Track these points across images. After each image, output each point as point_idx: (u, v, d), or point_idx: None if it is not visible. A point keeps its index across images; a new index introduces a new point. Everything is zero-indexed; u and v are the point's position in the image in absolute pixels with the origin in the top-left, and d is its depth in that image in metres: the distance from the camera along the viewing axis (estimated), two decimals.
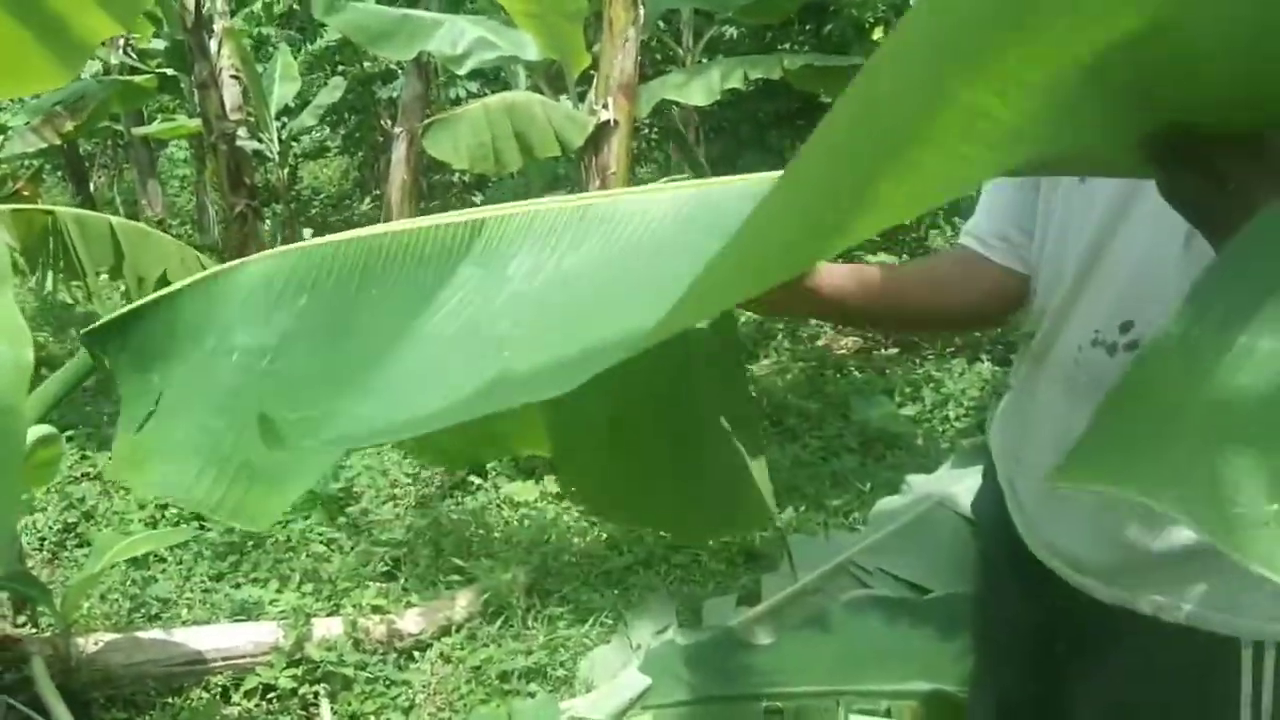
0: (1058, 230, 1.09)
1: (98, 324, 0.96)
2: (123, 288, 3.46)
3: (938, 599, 2.57)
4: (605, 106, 4.05)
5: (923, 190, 0.57)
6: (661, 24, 6.37)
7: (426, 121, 4.67)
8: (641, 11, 4.09)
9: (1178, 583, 1.01)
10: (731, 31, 7.05)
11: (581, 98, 4.66)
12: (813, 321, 5.84)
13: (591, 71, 4.56)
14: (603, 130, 4.08)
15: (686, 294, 0.61)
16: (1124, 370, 1.00)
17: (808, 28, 7.01)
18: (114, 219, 3.20)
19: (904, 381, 4.94)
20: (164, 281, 3.29)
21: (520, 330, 0.92)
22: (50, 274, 3.26)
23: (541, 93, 4.82)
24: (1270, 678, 0.98)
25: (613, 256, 0.97)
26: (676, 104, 6.38)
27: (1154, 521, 1.02)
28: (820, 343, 5.64)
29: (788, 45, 6.67)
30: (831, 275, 1.08)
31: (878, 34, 6.88)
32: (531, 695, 2.74)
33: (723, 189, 0.99)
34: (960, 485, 2.95)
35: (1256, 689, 0.98)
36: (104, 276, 3.41)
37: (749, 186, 0.98)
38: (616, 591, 3.22)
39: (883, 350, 5.46)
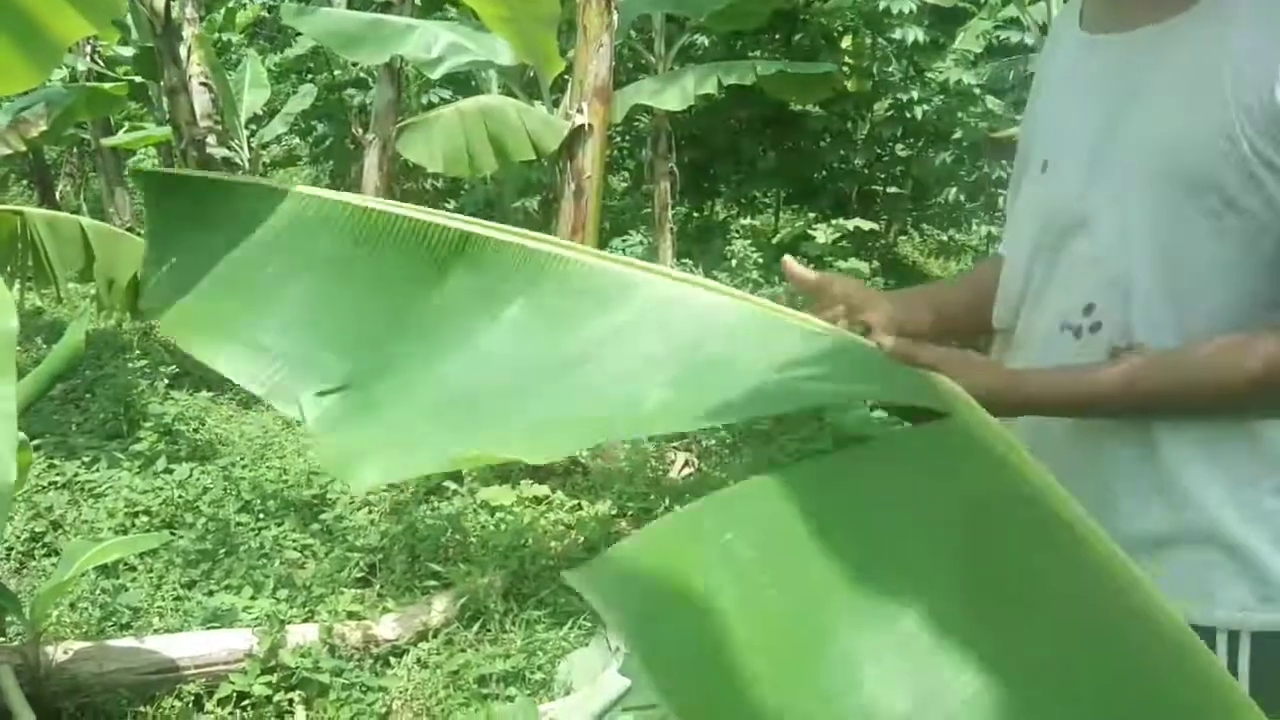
0: (1026, 216, 1.15)
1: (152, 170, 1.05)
2: (93, 292, 3.42)
3: None
4: (580, 111, 4.05)
5: None
6: (634, 32, 6.40)
7: (400, 125, 4.66)
8: (615, 18, 4.10)
9: (1152, 568, 1.03)
10: (703, 40, 7.10)
11: (556, 104, 4.67)
12: None
13: (565, 77, 4.57)
14: (577, 135, 4.09)
15: None
16: (1087, 351, 1.04)
17: (778, 36, 7.07)
18: (85, 220, 3.17)
19: None
20: (135, 284, 3.25)
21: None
22: (18, 280, 3.21)
23: (515, 98, 4.83)
24: (1245, 668, 0.99)
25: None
26: (649, 111, 6.41)
27: (1132, 506, 1.03)
28: None
29: (759, 54, 6.72)
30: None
31: (846, 42, 6.96)
32: (510, 699, 2.73)
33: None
34: None
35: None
36: (73, 285, 3.38)
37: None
38: None
39: None
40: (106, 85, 6.63)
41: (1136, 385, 0.98)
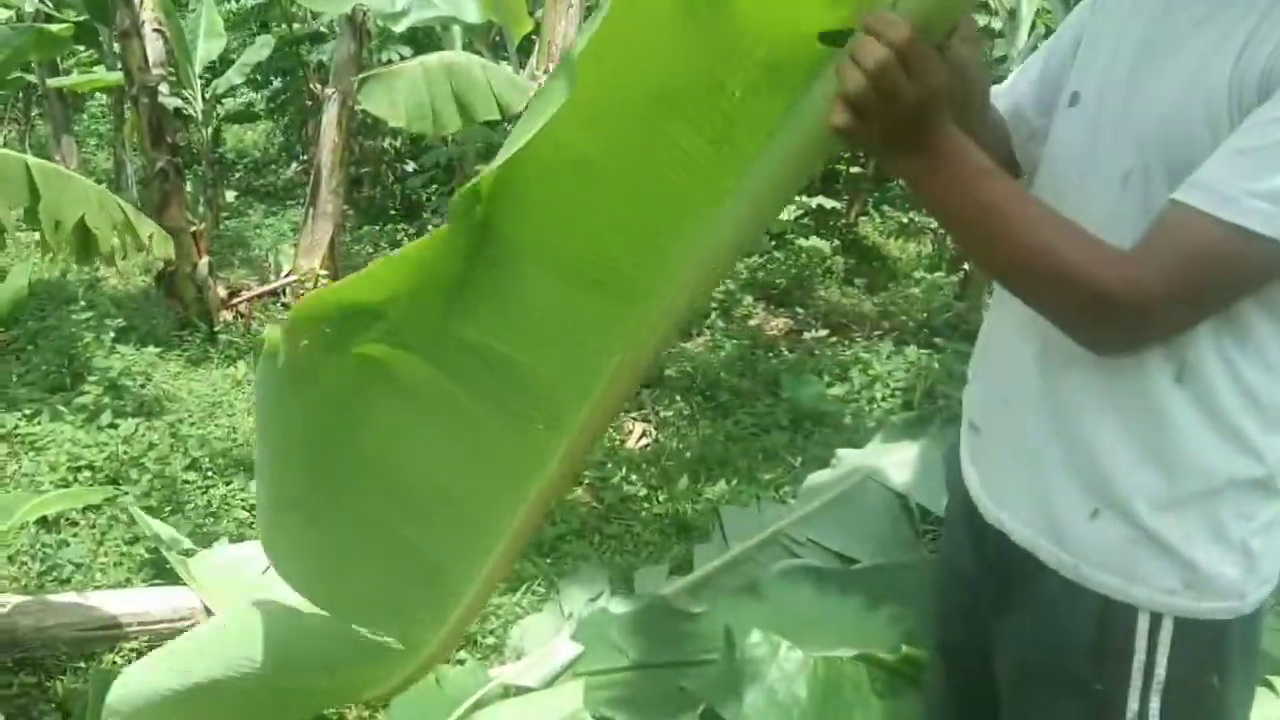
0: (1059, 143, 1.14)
1: None
2: (37, 238, 3.31)
3: (865, 569, 2.61)
4: (546, 72, 3.99)
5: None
6: None
7: (362, 76, 4.56)
8: None
9: (1081, 541, 1.04)
10: None
11: (522, 64, 4.59)
12: (745, 301, 5.88)
13: (533, 37, 4.50)
14: None
15: None
16: None
17: None
18: (30, 158, 3.05)
19: (833, 363, 5.02)
20: (82, 226, 3.15)
21: None
22: None
23: (481, 56, 4.74)
24: (1165, 650, 1.01)
25: None
26: None
27: (1069, 477, 1.04)
28: (752, 322, 5.68)
29: None
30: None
31: None
32: (460, 663, 2.71)
33: None
34: (890, 459, 3.01)
35: (1150, 657, 1.01)
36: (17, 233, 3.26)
37: None
38: (549, 560, 3.21)
39: (813, 332, 5.53)
40: (54, 27, 6.40)
41: (1006, 192, 0.93)
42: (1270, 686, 1.84)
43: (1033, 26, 5.37)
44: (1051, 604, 1.07)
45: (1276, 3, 0.90)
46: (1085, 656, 1.05)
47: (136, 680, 1.38)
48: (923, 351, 5.00)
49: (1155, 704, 1.01)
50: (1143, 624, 1.01)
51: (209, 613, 2.70)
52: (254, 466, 1.27)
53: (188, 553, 2.57)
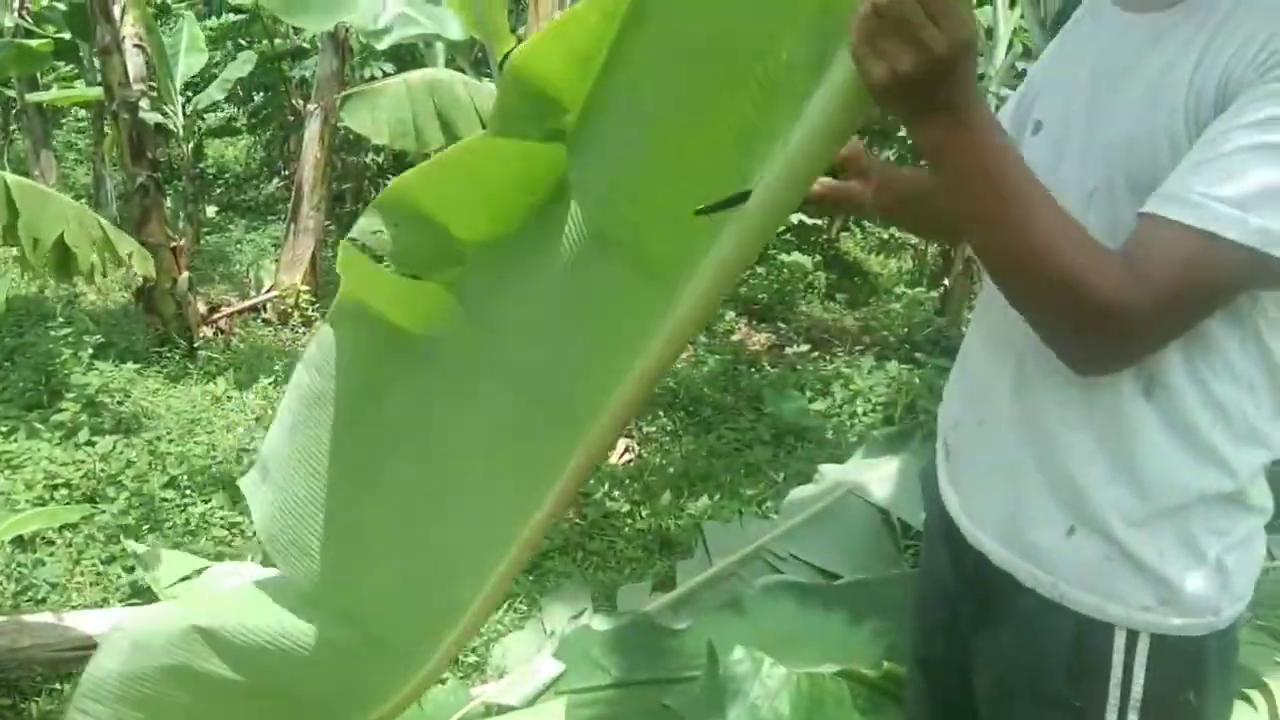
0: None
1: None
2: (15, 253, 3.28)
3: (848, 584, 2.62)
4: None
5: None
6: None
7: (345, 93, 4.56)
8: None
9: (1058, 559, 1.04)
10: None
11: None
12: (727, 317, 5.90)
13: None
14: None
15: None
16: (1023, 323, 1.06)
17: None
18: (8, 175, 3.02)
19: (815, 378, 5.03)
20: (61, 244, 3.13)
21: None
22: None
23: (464, 73, 4.75)
24: (1142, 667, 1.01)
25: None
26: None
27: (1045, 495, 1.05)
28: (735, 338, 5.69)
29: None
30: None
31: None
32: (442, 682, 2.69)
33: None
34: (871, 474, 3.02)
35: (1127, 674, 1.01)
36: None
37: None
38: (531, 578, 3.19)
39: (795, 347, 5.55)
40: (34, 43, 6.37)
41: (1025, 180, 0.89)
42: (1247, 700, 1.85)
43: (1010, 45, 5.42)
44: (1029, 622, 1.07)
45: (1227, 19, 0.92)
46: (1063, 675, 1.05)
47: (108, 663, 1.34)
48: (904, 367, 5.02)
49: None
50: (1119, 641, 1.01)
51: None
52: (259, 476, 1.26)
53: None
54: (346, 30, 5.97)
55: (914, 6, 0.79)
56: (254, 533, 3.44)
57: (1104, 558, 1.01)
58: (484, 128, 3.61)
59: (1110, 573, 1.01)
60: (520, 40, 4.33)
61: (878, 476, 2.98)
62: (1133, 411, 0.99)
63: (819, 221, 7.19)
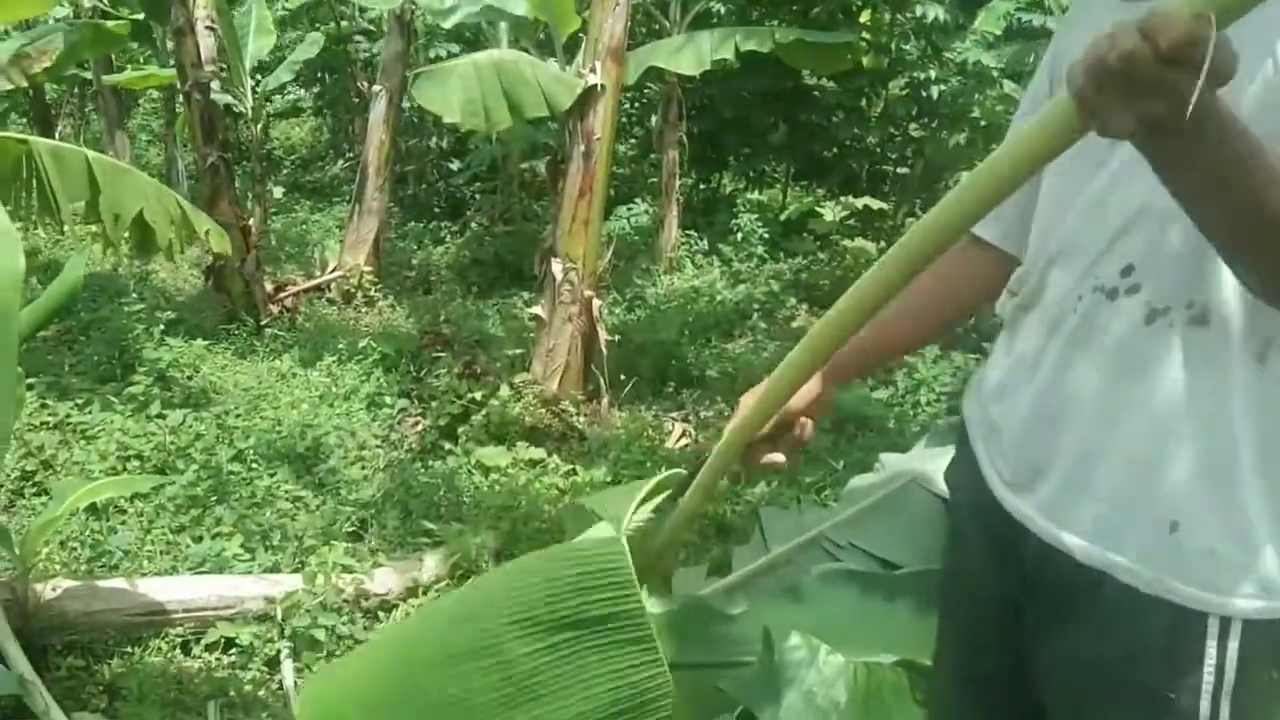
0: (1053, 184, 1.12)
1: None
2: (94, 229, 3.37)
3: (910, 574, 2.57)
4: (593, 70, 3.99)
5: None
6: None
7: (415, 73, 4.59)
8: None
9: (1159, 554, 1.01)
10: (719, 7, 7.00)
11: (569, 62, 4.60)
12: (789, 303, 5.84)
13: (579, 35, 4.50)
14: (590, 94, 4.03)
15: None
16: (1122, 313, 0.99)
17: (795, 7, 6.97)
18: (90, 153, 3.10)
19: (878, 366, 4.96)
20: (140, 221, 3.20)
21: None
22: (21, 215, 3.14)
23: (528, 53, 4.75)
24: (1234, 654, 1.00)
25: None
26: (660, 77, 6.33)
27: (1144, 479, 1.01)
28: (795, 324, 5.64)
29: (776, 23, 6.63)
30: (843, 360, 1.21)
31: (865, 16, 6.86)
32: None
33: None
34: (934, 463, 2.95)
35: (1221, 659, 1.00)
36: (78, 221, 3.31)
37: None
38: None
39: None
40: (110, 24, 6.53)
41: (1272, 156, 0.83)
42: None
43: None
44: (1117, 616, 1.04)
45: None
46: (1156, 665, 1.03)
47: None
48: (969, 356, 4.93)
49: (1226, 706, 1.01)
50: (1214, 628, 1.00)
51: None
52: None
53: None
54: (412, 11, 6.02)
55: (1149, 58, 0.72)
56: (317, 506, 3.51)
57: (1207, 552, 0.99)
58: (548, 107, 3.60)
59: (1214, 565, 1.00)
60: (585, 22, 4.32)
61: (941, 466, 2.91)
62: (1245, 383, 0.97)
63: (885, 206, 7.09)
